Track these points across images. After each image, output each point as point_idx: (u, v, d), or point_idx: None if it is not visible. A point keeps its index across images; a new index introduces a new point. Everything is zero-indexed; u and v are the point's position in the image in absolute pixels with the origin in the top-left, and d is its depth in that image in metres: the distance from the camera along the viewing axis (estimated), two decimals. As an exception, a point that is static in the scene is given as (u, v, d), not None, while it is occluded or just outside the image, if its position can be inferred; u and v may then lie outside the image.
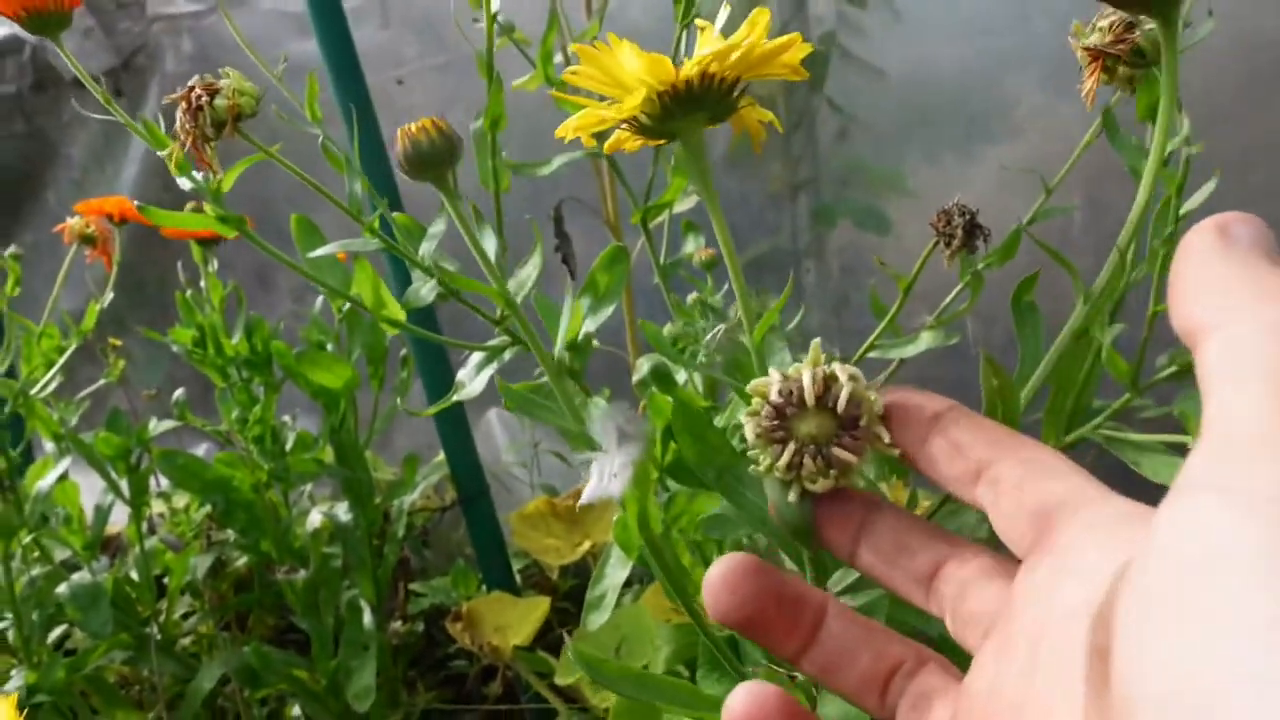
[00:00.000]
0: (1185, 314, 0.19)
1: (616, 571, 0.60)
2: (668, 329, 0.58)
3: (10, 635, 0.73)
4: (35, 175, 1.51)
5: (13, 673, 0.73)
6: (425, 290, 0.46)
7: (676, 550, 0.59)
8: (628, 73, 0.25)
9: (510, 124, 0.85)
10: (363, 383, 0.83)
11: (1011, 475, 0.22)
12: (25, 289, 1.36)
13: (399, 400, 0.81)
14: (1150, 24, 0.38)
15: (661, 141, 0.29)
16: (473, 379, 0.50)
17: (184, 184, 0.42)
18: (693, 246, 0.72)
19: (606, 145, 0.29)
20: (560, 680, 0.75)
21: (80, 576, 0.77)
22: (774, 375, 0.24)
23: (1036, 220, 0.60)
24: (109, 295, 0.81)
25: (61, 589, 0.75)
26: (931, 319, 0.63)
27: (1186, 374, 0.50)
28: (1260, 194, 0.82)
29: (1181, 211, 0.46)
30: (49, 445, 0.82)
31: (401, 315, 0.47)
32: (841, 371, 0.24)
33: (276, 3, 1.23)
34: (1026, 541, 0.22)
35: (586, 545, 0.82)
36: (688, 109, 0.26)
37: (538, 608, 0.78)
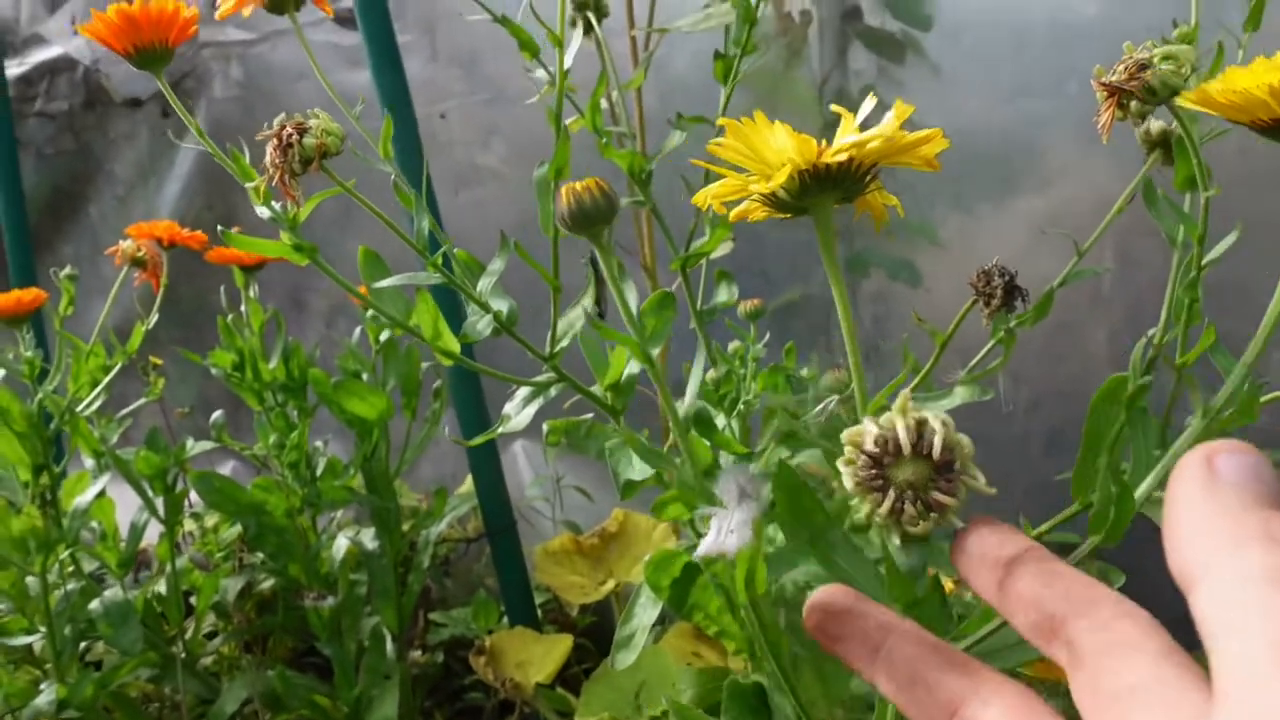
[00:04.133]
0: (1175, 560, 0.19)
1: (646, 612, 0.61)
2: (710, 375, 0.59)
3: (39, 648, 0.74)
4: (79, 191, 1.54)
5: (42, 686, 0.74)
6: (482, 324, 0.47)
7: (709, 596, 0.59)
8: (774, 151, 0.26)
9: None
10: (395, 412, 0.84)
11: (1088, 644, 0.21)
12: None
13: (442, 430, 0.83)
14: (1163, 64, 0.39)
15: (788, 215, 0.30)
16: (519, 412, 0.52)
17: (263, 213, 0.44)
18: (725, 294, 0.73)
19: (733, 213, 0.31)
20: None
21: (112, 593, 0.78)
22: (868, 425, 0.25)
23: (1068, 282, 0.61)
24: (154, 317, 0.83)
25: (94, 605, 0.77)
26: (964, 373, 0.64)
27: (1219, 431, 0.50)
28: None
29: (1204, 261, 0.47)
30: (87, 461, 0.83)
31: (456, 347, 0.48)
32: (934, 418, 0.24)
33: (327, 34, 1.26)
34: None
35: (610, 584, 0.83)
36: (824, 188, 0.27)
37: (560, 645, 0.79)
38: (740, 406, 0.58)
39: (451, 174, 1.17)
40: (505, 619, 0.95)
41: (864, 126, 0.28)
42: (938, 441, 0.24)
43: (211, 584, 0.84)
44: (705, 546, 0.31)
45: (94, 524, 0.81)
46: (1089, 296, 0.98)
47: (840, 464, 0.25)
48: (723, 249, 0.72)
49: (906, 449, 0.24)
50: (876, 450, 0.24)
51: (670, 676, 0.76)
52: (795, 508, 0.31)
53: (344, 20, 1.23)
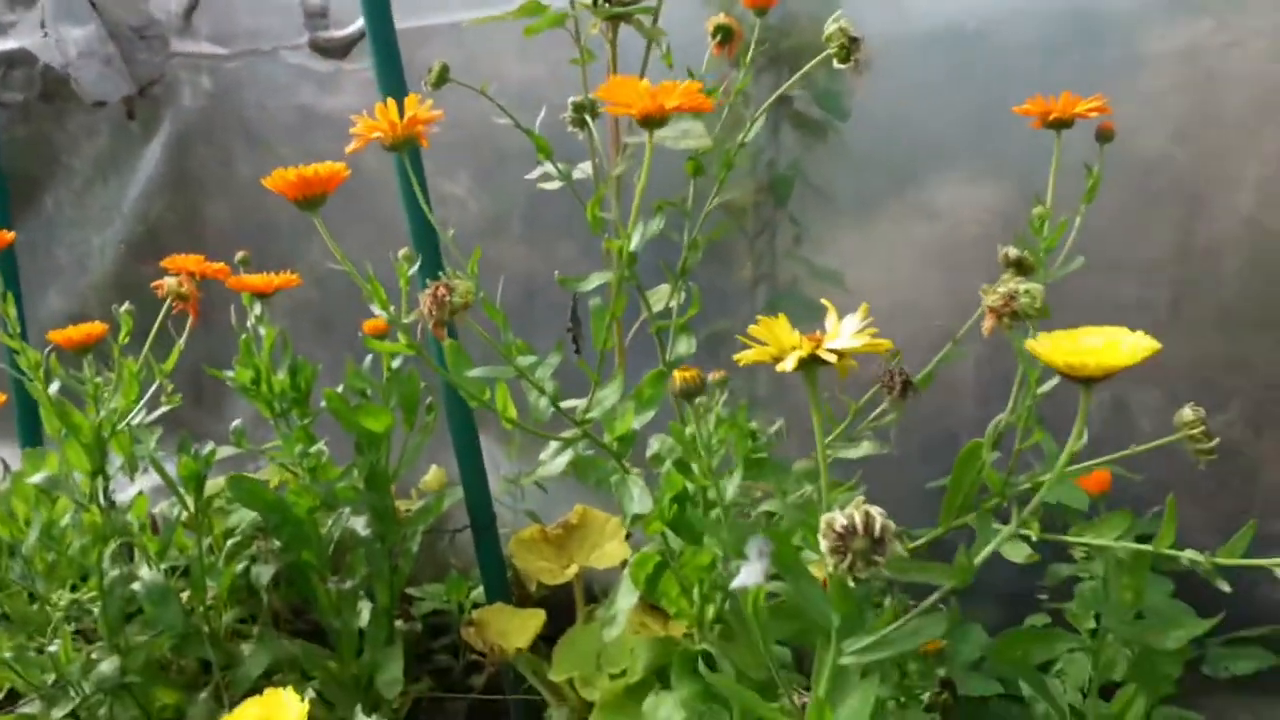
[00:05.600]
0: None
1: (627, 598, 0.80)
2: (688, 430, 0.77)
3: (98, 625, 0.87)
4: (33, 178, 1.59)
5: (94, 657, 0.87)
6: (543, 404, 0.64)
7: (672, 585, 0.79)
8: (788, 340, 0.44)
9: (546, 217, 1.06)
10: (396, 424, 1.00)
11: None
12: (21, 286, 1.46)
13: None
14: (1025, 297, 0.57)
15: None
16: (552, 460, 0.69)
17: (380, 314, 0.59)
18: (685, 347, 0.91)
19: (744, 361, 0.47)
20: (553, 678, 0.93)
21: (150, 576, 0.91)
22: (838, 515, 0.43)
23: (945, 361, 0.82)
24: (182, 340, 0.95)
25: (136, 586, 0.90)
26: (866, 423, 0.84)
27: (1037, 489, 0.72)
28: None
29: (1039, 391, 0.68)
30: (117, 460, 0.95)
31: (515, 414, 0.65)
32: (874, 511, 0.42)
33: (302, 59, 1.36)
34: None
35: (574, 568, 1.01)
36: (816, 363, 0.45)
37: (535, 619, 0.97)
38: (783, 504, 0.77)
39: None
40: (476, 592, 1.13)
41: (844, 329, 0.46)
42: (878, 527, 0.43)
43: (230, 569, 0.98)
44: (738, 582, 0.50)
45: (132, 518, 0.94)
46: (961, 369, 1.20)
47: (820, 536, 0.43)
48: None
49: (860, 530, 0.43)
50: (843, 530, 0.43)
51: (625, 644, 0.95)
52: (784, 552, 0.50)
53: (321, 49, 1.33)
